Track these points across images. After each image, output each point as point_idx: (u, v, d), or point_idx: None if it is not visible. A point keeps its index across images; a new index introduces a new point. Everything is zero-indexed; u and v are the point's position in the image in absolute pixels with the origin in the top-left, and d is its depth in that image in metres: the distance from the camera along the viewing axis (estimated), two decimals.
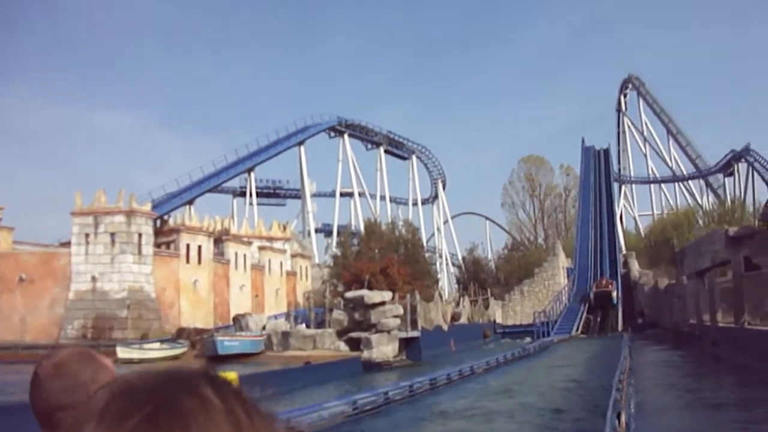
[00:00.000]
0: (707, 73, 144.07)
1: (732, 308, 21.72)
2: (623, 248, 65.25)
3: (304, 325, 35.95)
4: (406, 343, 33.03)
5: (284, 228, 60.92)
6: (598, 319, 50.16)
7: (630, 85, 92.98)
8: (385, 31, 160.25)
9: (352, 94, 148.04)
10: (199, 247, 47.00)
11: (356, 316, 30.80)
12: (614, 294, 51.04)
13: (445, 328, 39.93)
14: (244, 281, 51.83)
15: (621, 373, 15.60)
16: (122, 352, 32.04)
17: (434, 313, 38.21)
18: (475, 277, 64.94)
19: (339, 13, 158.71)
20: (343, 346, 31.46)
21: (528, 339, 42.23)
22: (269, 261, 55.32)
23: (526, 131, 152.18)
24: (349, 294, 32.03)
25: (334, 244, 62.95)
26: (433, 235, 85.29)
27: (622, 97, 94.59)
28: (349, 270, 46.56)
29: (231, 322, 38.87)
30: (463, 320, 45.81)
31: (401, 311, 30.70)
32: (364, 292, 30.96)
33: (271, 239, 58.12)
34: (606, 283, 52.74)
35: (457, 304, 48.86)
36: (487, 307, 54.75)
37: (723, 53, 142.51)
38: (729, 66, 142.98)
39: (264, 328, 36.29)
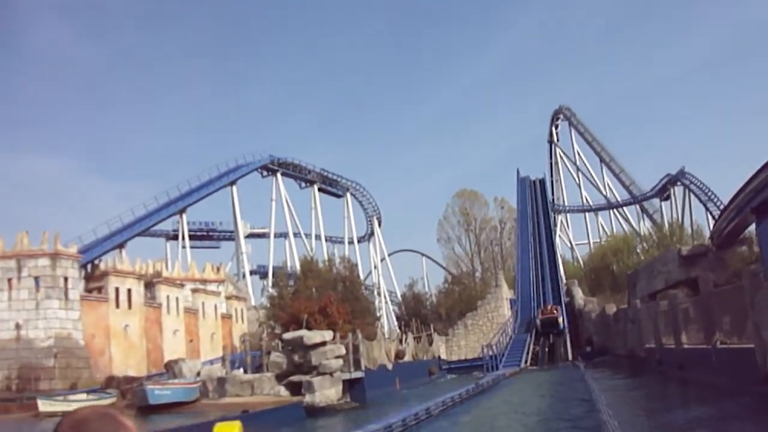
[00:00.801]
0: (635, 104, 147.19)
1: (703, 328, 20.09)
2: (563, 277, 64.40)
3: (241, 370, 33.13)
4: (349, 385, 30.80)
5: (218, 270, 58.65)
6: (546, 350, 48.62)
7: (561, 116, 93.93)
8: (315, 68, 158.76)
9: (282, 134, 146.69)
10: (129, 291, 45.08)
11: (296, 358, 28.46)
12: (560, 320, 50.12)
13: (390, 366, 37.66)
14: (177, 325, 49.79)
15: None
16: (44, 405, 29.76)
17: (377, 351, 35.95)
18: (416, 313, 63.07)
19: (268, 50, 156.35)
20: (283, 391, 29.14)
21: (476, 373, 40.32)
22: (203, 304, 53.17)
23: (460, 166, 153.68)
24: (288, 335, 29.65)
25: (270, 284, 60.52)
26: (370, 273, 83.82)
27: (553, 129, 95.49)
28: (286, 310, 44.79)
29: (164, 369, 36.37)
30: (407, 358, 43.65)
31: (343, 351, 28.49)
32: (303, 332, 28.67)
33: (204, 282, 56.11)
34: (551, 309, 51.82)
35: (401, 342, 46.66)
36: (430, 343, 52.70)
37: (649, 83, 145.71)
38: (655, 95, 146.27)
39: (199, 374, 34.00)
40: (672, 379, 22.85)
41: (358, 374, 31.12)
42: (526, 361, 45.56)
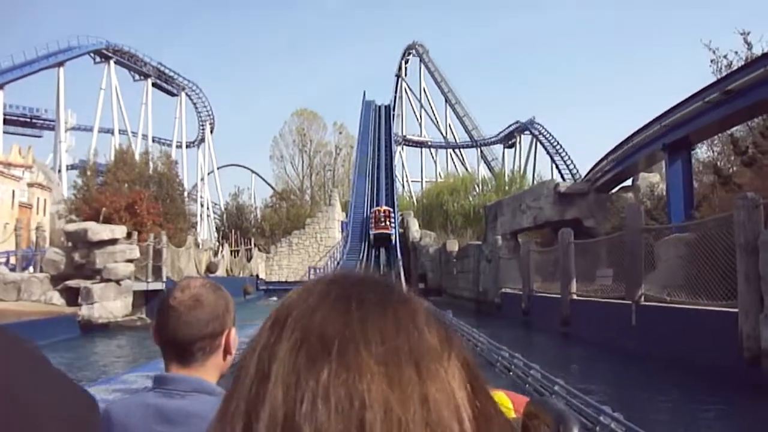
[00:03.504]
0: (489, 57, 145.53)
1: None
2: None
3: (5, 267, 25.50)
4: (146, 298, 24.48)
5: (28, 153, 49.35)
6: None
7: (413, 52, 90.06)
8: None
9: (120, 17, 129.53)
10: None
11: (76, 257, 21.54)
12: (392, 236, 48.32)
13: None
14: None
15: None
16: None
17: (185, 260, 29.49)
18: (237, 226, 56.71)
19: None
20: (57, 298, 22.37)
21: None
22: None
23: (303, 89, 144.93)
24: (70, 226, 22.98)
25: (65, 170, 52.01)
26: (195, 185, 76.64)
27: (403, 62, 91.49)
28: (91, 204, 37.18)
29: None
30: (220, 272, 37.50)
31: (137, 254, 22.34)
32: (89, 224, 21.88)
33: (9, 165, 48.06)
34: (385, 212, 49.97)
35: (216, 254, 40.39)
36: (249, 259, 46.80)
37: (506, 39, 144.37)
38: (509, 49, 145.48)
39: None
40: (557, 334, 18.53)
41: (157, 285, 24.99)
42: None
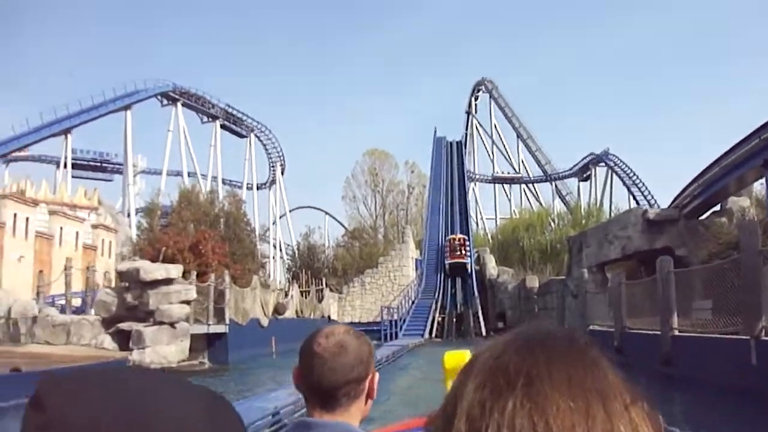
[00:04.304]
0: (562, 89, 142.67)
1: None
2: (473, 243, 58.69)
3: (53, 309, 24.67)
4: (208, 342, 23.26)
5: (93, 195, 49.99)
6: (454, 320, 42.23)
7: (482, 88, 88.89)
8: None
9: (185, 61, 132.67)
10: None
11: (128, 298, 20.36)
12: (468, 264, 48.01)
13: (265, 322, 30.10)
14: (23, 251, 40.45)
15: None
16: None
17: (250, 301, 28.14)
18: (308, 266, 55.58)
19: None
20: (108, 341, 21.16)
21: (372, 341, 33.20)
22: (61, 229, 43.91)
23: (373, 128, 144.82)
24: (122, 265, 21.79)
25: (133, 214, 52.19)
26: (268, 230, 76.57)
27: (473, 99, 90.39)
28: (154, 245, 36.50)
29: None
30: (288, 313, 36.09)
31: (193, 294, 20.98)
32: (142, 263, 20.77)
33: (74, 207, 47.63)
34: (460, 241, 49.30)
35: (286, 294, 39.16)
36: (321, 299, 45.36)
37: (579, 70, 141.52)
38: (583, 82, 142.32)
39: (10, 311, 24.97)
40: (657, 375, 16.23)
41: (220, 328, 23.69)
42: (430, 332, 39.09)
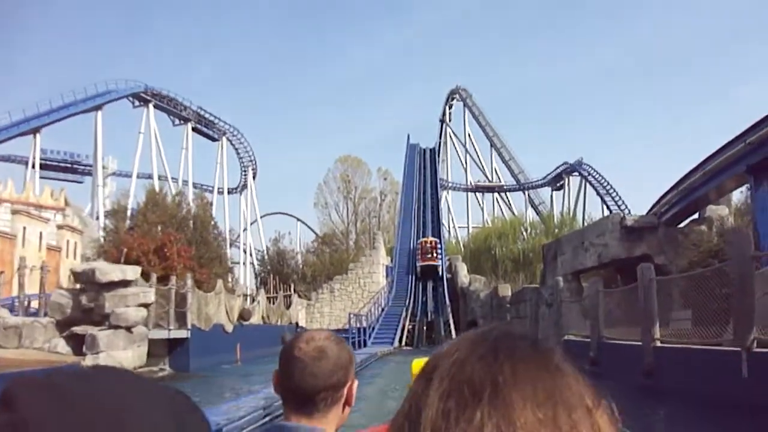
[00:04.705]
0: (534, 101, 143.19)
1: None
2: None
3: (6, 311, 23.34)
4: (169, 347, 22.20)
5: (60, 195, 48.43)
6: (425, 327, 41.39)
7: (457, 96, 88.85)
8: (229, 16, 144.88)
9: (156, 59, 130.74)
10: None
11: (83, 300, 19.19)
12: (439, 267, 48.06)
13: (229, 328, 29.01)
14: None
15: None
16: None
17: (214, 307, 27.01)
18: (277, 272, 54.48)
19: None
20: (62, 346, 20.05)
21: None
22: (24, 229, 42.20)
23: (346, 135, 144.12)
24: (78, 266, 20.51)
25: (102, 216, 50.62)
26: (239, 236, 75.59)
27: (447, 108, 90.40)
28: (118, 247, 35.31)
29: None
30: (255, 319, 35.04)
31: (151, 298, 19.87)
32: (97, 264, 19.74)
33: (40, 207, 46.38)
34: (432, 244, 49.26)
35: (252, 300, 38.07)
36: (288, 306, 44.27)
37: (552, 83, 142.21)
38: (556, 95, 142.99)
39: None
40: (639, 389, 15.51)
41: (181, 333, 22.66)
42: (400, 340, 38.23)
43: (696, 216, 26.15)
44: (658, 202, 26.61)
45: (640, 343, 15.82)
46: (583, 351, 20.38)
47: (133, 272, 19.93)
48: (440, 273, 48.17)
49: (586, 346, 20.25)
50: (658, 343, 15.39)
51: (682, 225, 25.81)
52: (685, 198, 24.04)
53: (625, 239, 24.37)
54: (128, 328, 18.78)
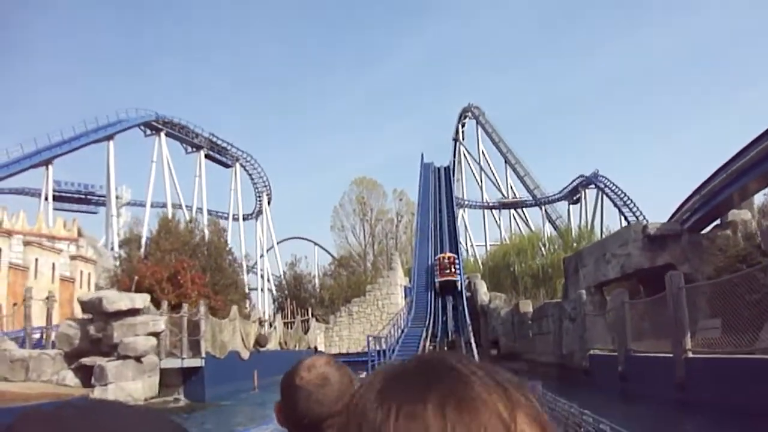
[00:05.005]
0: (548, 116, 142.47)
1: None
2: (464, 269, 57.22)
3: (12, 343, 22.86)
4: (183, 377, 21.62)
5: (73, 226, 48.33)
6: (446, 348, 40.52)
7: (469, 114, 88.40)
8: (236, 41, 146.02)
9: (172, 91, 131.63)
10: None
11: (91, 330, 18.67)
12: (458, 282, 47.50)
13: (245, 355, 28.39)
14: None
15: None
16: None
17: (229, 334, 26.41)
18: (295, 296, 53.88)
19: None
20: (71, 378, 19.48)
21: (360, 372, 31.50)
22: (36, 260, 42.05)
23: (360, 157, 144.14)
24: (85, 296, 19.96)
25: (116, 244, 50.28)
26: (255, 263, 75.71)
27: (460, 126, 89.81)
28: (131, 276, 34.99)
29: None
30: (271, 345, 34.41)
31: (161, 326, 19.37)
32: (105, 293, 19.18)
33: (53, 238, 45.99)
34: (450, 259, 48.71)
35: (270, 325, 37.48)
36: (306, 330, 43.60)
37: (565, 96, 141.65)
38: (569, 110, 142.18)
39: None
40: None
41: (195, 362, 22.05)
42: None
43: (718, 222, 25.38)
44: (679, 209, 25.83)
45: (670, 355, 15.07)
46: (611, 365, 19.61)
47: (141, 300, 19.43)
48: (459, 288, 47.53)
49: (614, 360, 19.46)
50: (690, 354, 14.63)
51: (704, 231, 25.02)
52: (708, 203, 23.30)
53: (647, 248, 23.58)
54: (137, 358, 18.26)
